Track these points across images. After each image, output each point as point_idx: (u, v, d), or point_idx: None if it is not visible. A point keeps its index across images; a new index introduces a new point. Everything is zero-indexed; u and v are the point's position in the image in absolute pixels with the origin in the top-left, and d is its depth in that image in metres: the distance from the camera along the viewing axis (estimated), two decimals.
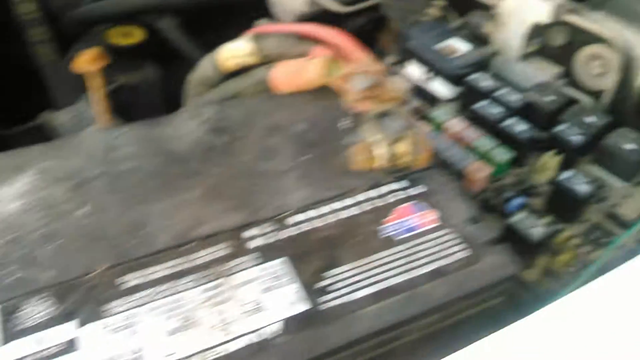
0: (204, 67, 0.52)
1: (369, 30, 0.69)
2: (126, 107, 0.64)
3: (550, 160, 0.52)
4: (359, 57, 0.46)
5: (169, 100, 0.78)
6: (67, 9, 0.78)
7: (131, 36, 0.81)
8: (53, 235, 0.37)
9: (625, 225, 0.49)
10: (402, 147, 0.41)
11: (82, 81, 0.79)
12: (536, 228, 0.46)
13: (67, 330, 0.32)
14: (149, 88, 0.76)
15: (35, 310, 0.33)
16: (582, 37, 0.57)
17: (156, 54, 0.80)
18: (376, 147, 0.41)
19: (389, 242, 0.38)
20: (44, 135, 0.70)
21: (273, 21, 0.65)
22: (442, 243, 0.39)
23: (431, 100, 0.60)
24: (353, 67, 0.44)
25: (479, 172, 0.51)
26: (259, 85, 0.49)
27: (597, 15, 0.57)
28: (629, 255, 0.44)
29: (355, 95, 0.43)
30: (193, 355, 0.32)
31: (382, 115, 0.43)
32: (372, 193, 0.41)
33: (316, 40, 0.49)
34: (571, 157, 0.53)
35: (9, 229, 0.37)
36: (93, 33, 0.85)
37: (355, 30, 0.70)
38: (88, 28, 0.84)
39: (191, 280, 0.35)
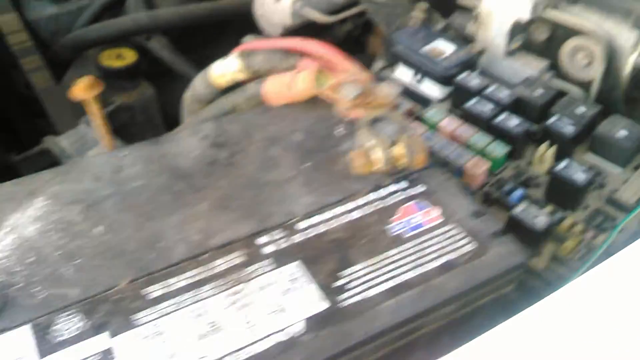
0: (198, 85, 0.58)
1: (357, 36, 0.76)
2: (125, 126, 0.70)
3: (545, 152, 0.59)
4: (345, 66, 0.53)
5: (165, 117, 0.85)
6: (57, 35, 0.84)
7: (123, 58, 0.88)
8: (73, 254, 0.42)
9: (625, 209, 0.56)
10: (399, 150, 0.48)
11: (79, 105, 0.85)
12: (539, 217, 0.52)
13: (100, 341, 0.37)
14: (145, 106, 0.83)
15: (67, 325, 0.38)
16: (563, 31, 0.65)
17: (149, 74, 0.86)
18: (373, 152, 0.48)
19: (397, 240, 0.45)
20: (48, 159, 0.76)
21: (260, 36, 0.72)
22: (448, 238, 0.45)
23: (422, 101, 0.67)
24: (341, 77, 0.51)
25: (477, 167, 0.58)
26: (251, 99, 0.55)
27: (576, 9, 0.65)
28: (632, 238, 0.51)
29: (347, 104, 0.50)
30: (225, 356, 0.37)
31: (375, 120, 0.49)
32: (375, 195, 0.48)
33: (302, 54, 0.56)
34: (565, 147, 0.60)
35: (30, 251, 0.42)
36: (85, 57, 0.91)
37: (343, 37, 0.78)
38: (80, 52, 0.90)
39: (212, 288, 0.41)
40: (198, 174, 0.48)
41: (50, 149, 0.73)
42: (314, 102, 0.53)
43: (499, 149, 0.60)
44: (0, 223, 0.44)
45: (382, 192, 0.48)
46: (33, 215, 0.44)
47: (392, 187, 0.48)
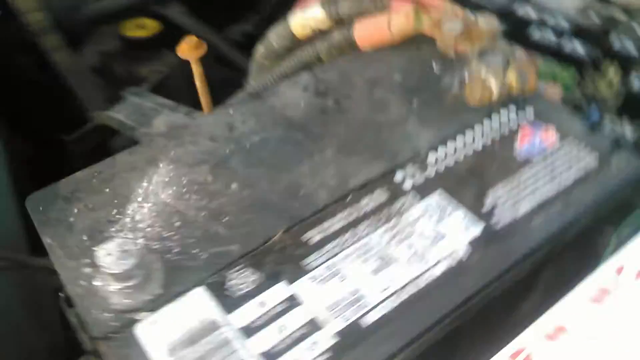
0: (274, 39, 0.57)
1: None
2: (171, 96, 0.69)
3: (611, 72, 0.60)
4: (437, 3, 0.53)
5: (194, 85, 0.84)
6: (65, 13, 0.81)
7: (145, 27, 0.85)
8: (218, 213, 0.41)
9: None
10: (511, 77, 0.48)
11: (105, 81, 0.83)
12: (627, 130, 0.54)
13: (281, 290, 0.37)
14: (174, 76, 0.81)
15: (241, 280, 0.38)
16: None
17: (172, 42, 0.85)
18: (488, 82, 0.48)
19: (527, 161, 0.45)
20: (102, 135, 0.73)
21: None
22: (571, 154, 0.46)
23: None
24: (440, 13, 0.51)
25: (552, 91, 0.59)
26: (338, 47, 0.54)
27: None
28: None
29: (452, 39, 0.50)
30: (405, 285, 0.37)
31: (483, 52, 0.49)
32: (491, 124, 0.48)
33: None
34: (631, 68, 0.62)
35: (174, 216, 0.41)
36: (102, 31, 0.88)
37: None
38: (96, 26, 0.87)
39: (367, 226, 0.41)
40: (312, 123, 0.48)
41: (105, 124, 0.70)
42: (403, 42, 0.53)
43: (568, 73, 0.61)
44: (131, 193, 0.42)
45: (497, 120, 0.48)
46: (162, 181, 0.43)
47: (505, 114, 0.49)
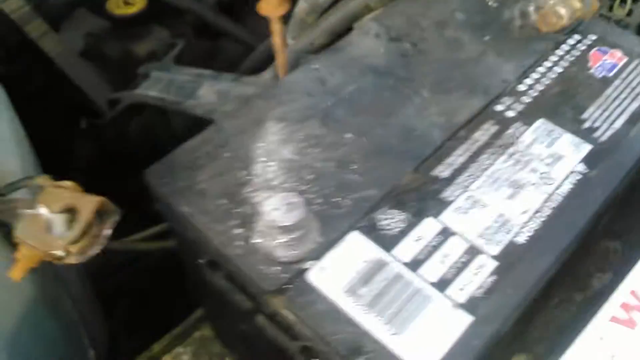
0: None
1: None
2: None
3: None
4: None
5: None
6: None
7: (132, 3, 0.82)
8: (345, 162, 0.42)
9: None
10: (576, 3, 0.51)
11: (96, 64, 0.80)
12: None
13: (431, 223, 0.39)
14: (166, 52, 0.79)
15: (389, 221, 0.39)
16: None
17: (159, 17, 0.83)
18: (559, 9, 0.50)
19: (607, 81, 0.48)
20: (134, 114, 0.72)
21: None
22: None
23: None
24: None
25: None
26: None
27: None
28: None
29: None
30: (544, 204, 0.40)
31: None
32: (562, 50, 0.51)
33: None
34: None
35: (303, 170, 0.42)
36: (78, 13, 0.85)
37: None
38: (73, 8, 0.84)
39: (488, 156, 0.43)
40: (398, 68, 0.49)
41: (140, 102, 0.69)
42: None
43: None
44: (251, 154, 0.43)
45: (566, 46, 0.51)
46: (277, 140, 0.44)
47: (571, 40, 0.52)
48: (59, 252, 0.35)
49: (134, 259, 0.69)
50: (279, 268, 0.37)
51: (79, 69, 0.78)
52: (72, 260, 0.36)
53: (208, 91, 0.64)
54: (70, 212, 0.36)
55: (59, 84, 0.79)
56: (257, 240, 0.38)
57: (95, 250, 0.36)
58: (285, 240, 0.37)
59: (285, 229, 0.36)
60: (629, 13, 0.69)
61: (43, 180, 0.38)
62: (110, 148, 0.76)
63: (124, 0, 0.83)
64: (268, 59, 0.72)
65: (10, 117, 0.49)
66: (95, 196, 0.36)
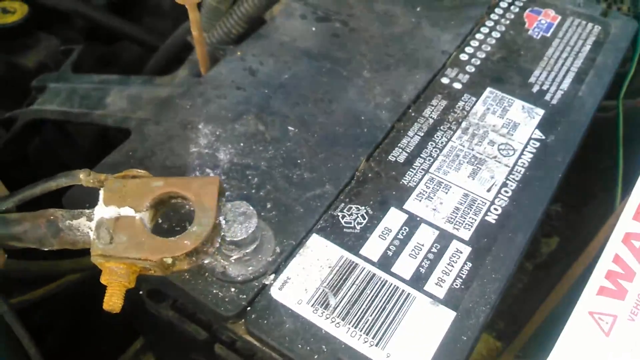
0: None
1: None
2: None
3: None
4: None
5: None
6: None
7: (12, 12, 0.74)
8: (291, 159, 0.38)
9: None
10: None
11: None
12: None
13: (394, 215, 0.36)
14: (58, 60, 0.72)
15: (348, 219, 0.36)
16: None
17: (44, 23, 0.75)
18: None
19: (546, 40, 0.47)
20: (33, 132, 0.64)
21: None
22: (578, 26, 0.48)
23: None
24: None
25: None
26: None
27: None
28: None
29: None
30: (508, 176, 0.38)
31: None
32: (496, 15, 0.49)
33: None
34: None
35: (247, 174, 0.37)
36: None
37: None
38: None
39: (442, 135, 0.40)
40: (332, 49, 0.45)
41: (38, 119, 0.62)
42: None
43: None
44: (181, 165, 0.38)
45: (499, 10, 0.49)
46: (210, 143, 0.39)
47: (503, 3, 0.50)
48: (169, 260, 0.29)
49: (56, 293, 0.62)
50: (234, 289, 0.32)
51: None
52: (185, 265, 0.29)
53: (117, 98, 0.58)
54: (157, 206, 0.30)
55: None
56: (206, 261, 0.33)
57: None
58: (238, 256, 0.33)
59: (237, 244, 0.32)
60: None
61: (85, 175, 0.32)
62: (11, 175, 0.67)
63: (2, 8, 0.74)
64: (175, 57, 0.67)
65: None
66: (209, 177, 0.31)
